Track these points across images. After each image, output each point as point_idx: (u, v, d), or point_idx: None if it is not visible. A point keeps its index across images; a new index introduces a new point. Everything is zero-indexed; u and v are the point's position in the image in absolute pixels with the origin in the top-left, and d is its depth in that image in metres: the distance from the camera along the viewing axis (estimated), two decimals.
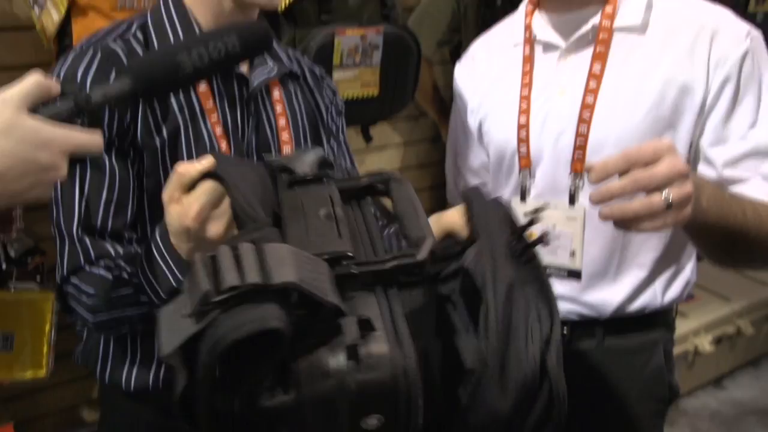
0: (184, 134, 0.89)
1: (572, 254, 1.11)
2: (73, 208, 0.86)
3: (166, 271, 0.78)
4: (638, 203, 0.79)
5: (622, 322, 1.16)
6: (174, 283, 0.78)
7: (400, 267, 0.57)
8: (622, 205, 0.80)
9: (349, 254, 0.57)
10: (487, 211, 0.75)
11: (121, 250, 0.88)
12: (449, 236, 0.85)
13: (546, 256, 1.12)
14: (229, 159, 0.78)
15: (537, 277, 0.71)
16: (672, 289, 1.15)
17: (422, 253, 0.58)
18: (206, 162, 0.70)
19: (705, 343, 2.42)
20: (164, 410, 0.94)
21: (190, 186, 0.70)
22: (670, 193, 0.79)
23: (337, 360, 0.50)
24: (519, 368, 0.60)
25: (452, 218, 0.83)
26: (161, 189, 0.89)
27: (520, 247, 0.73)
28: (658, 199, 0.79)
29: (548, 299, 0.68)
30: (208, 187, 0.69)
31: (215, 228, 0.71)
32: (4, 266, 1.32)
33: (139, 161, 0.89)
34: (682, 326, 2.40)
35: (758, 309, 2.60)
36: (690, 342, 2.41)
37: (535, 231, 1.14)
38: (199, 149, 0.90)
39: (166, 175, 0.88)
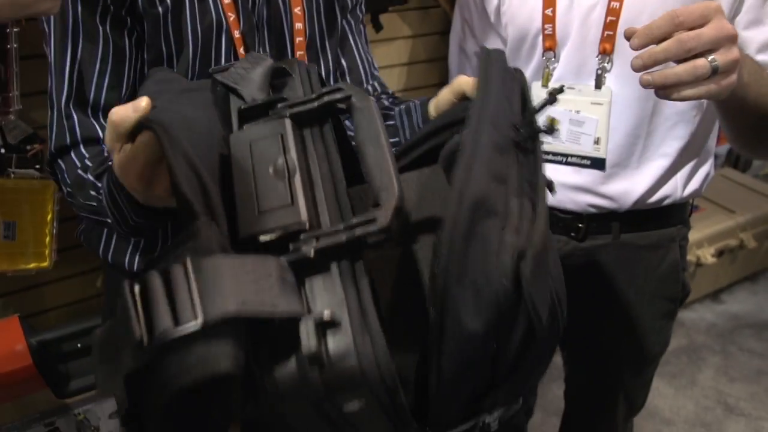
0: (188, 3, 0.83)
1: (596, 142, 1.07)
2: (64, 77, 0.81)
3: (125, 211, 0.71)
4: (681, 66, 0.75)
5: (639, 216, 1.14)
6: (132, 223, 0.72)
7: (361, 238, 0.50)
8: (664, 70, 0.75)
9: (303, 226, 0.50)
10: (503, 78, 0.65)
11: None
12: (463, 99, 0.79)
13: (568, 144, 1.09)
14: (171, 87, 0.67)
15: (532, 172, 0.64)
16: (693, 182, 1.13)
17: (384, 218, 0.50)
18: (143, 105, 0.58)
19: (707, 255, 2.42)
20: None
21: (131, 135, 0.60)
22: (716, 58, 0.74)
23: (301, 368, 0.46)
24: (488, 285, 0.53)
25: (466, 82, 0.75)
26: (163, 61, 0.84)
27: (526, 133, 0.65)
28: (703, 62, 0.74)
29: (536, 209, 0.60)
30: (146, 142, 0.59)
31: (160, 188, 0.63)
32: (3, 151, 1.28)
33: (139, 30, 0.83)
34: None
35: (762, 223, 2.59)
36: (692, 253, 2.41)
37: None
38: (204, 21, 0.84)
39: (168, 46, 0.83)
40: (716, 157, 2.98)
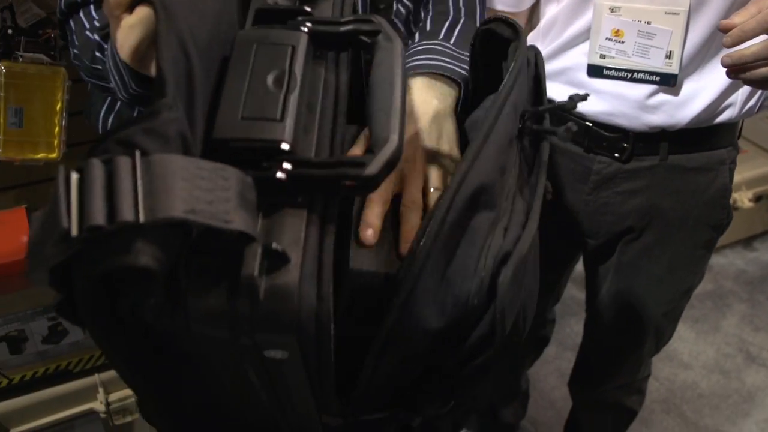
0: None
1: (668, 56, 0.98)
2: None
3: (125, 78, 0.66)
4: (757, 45, 0.76)
5: (691, 136, 1.06)
6: (132, 91, 0.67)
7: (341, 176, 0.45)
8: (741, 48, 0.79)
9: (284, 147, 0.44)
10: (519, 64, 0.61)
11: None
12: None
13: (635, 57, 1.00)
14: None
15: (532, 170, 0.62)
16: (751, 101, 1.04)
17: (373, 167, 0.44)
18: None
19: (744, 199, 2.32)
20: None
21: (131, 6, 0.55)
22: None
23: (231, 288, 0.41)
24: (462, 282, 0.51)
25: None
26: None
27: (534, 126, 0.62)
28: None
29: (530, 209, 0.58)
30: (145, 15, 0.54)
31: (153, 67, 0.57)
32: (10, 32, 1.21)
33: None
34: None
35: None
36: None
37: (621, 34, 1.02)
38: None
39: None
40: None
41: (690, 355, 2.15)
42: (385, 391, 0.57)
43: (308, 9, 0.55)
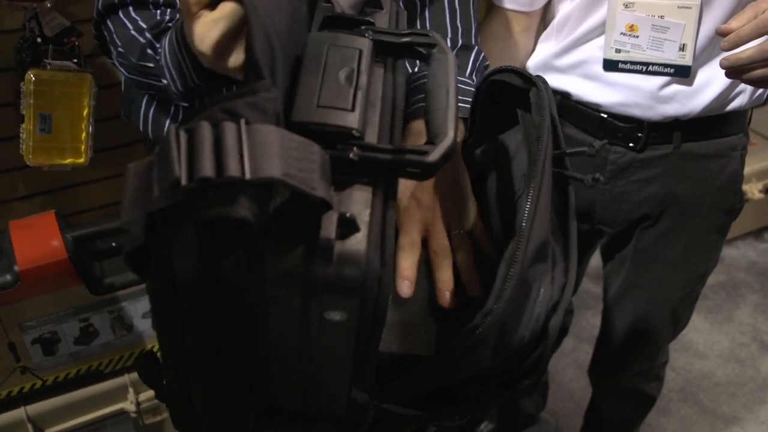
0: None
1: (682, 48, 1.01)
2: None
3: (186, 73, 0.70)
4: (752, 48, 0.82)
5: (703, 124, 1.09)
6: (191, 84, 0.71)
7: (408, 163, 0.50)
8: (737, 51, 0.85)
9: (355, 133, 0.49)
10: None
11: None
12: None
13: (649, 51, 1.03)
14: None
15: (563, 211, 0.65)
16: (760, 89, 1.07)
17: (434, 155, 0.50)
18: None
19: (755, 190, 2.34)
20: None
21: (212, 3, 0.59)
22: None
23: (307, 251, 0.45)
24: (518, 331, 0.56)
25: None
26: None
27: (559, 175, 0.65)
28: None
29: (568, 255, 0.62)
30: (230, 10, 0.58)
31: (234, 60, 0.62)
32: (39, 40, 1.25)
33: None
34: None
35: None
36: None
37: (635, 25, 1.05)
38: None
39: None
40: None
41: (705, 345, 2.17)
42: (418, 394, 0.61)
43: (371, 20, 0.61)
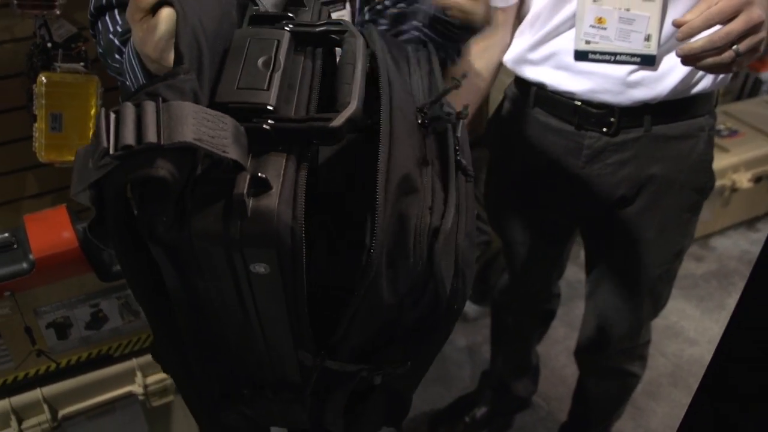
0: None
1: (647, 39, 1.08)
2: None
3: (138, 75, 0.78)
4: (703, 39, 0.94)
5: (671, 107, 1.16)
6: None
7: (314, 130, 0.58)
8: (691, 42, 0.95)
9: (269, 108, 0.58)
10: (396, 63, 0.75)
11: None
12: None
13: (617, 42, 1.10)
14: None
15: (442, 152, 0.71)
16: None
17: (338, 121, 0.58)
18: None
19: (743, 180, 2.40)
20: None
21: (154, 8, 0.66)
22: (739, 47, 0.94)
23: (225, 209, 0.54)
24: (407, 258, 0.62)
25: None
26: None
27: (432, 116, 0.72)
28: (729, 53, 0.94)
29: (448, 188, 0.68)
30: (166, 15, 0.65)
31: (170, 60, 0.67)
32: (50, 45, 1.34)
33: None
34: (722, 161, 2.37)
35: None
36: (728, 177, 2.40)
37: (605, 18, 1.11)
38: None
39: None
40: (761, 83, 2.91)
41: (696, 332, 2.23)
42: (352, 346, 0.69)
43: (291, 15, 0.69)
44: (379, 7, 0.94)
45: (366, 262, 0.60)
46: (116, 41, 0.86)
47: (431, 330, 0.71)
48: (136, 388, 1.52)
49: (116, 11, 0.88)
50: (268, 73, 0.61)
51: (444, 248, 0.64)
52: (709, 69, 0.99)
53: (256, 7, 0.71)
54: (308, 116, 0.60)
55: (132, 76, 0.80)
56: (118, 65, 0.86)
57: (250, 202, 0.53)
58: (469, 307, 2.12)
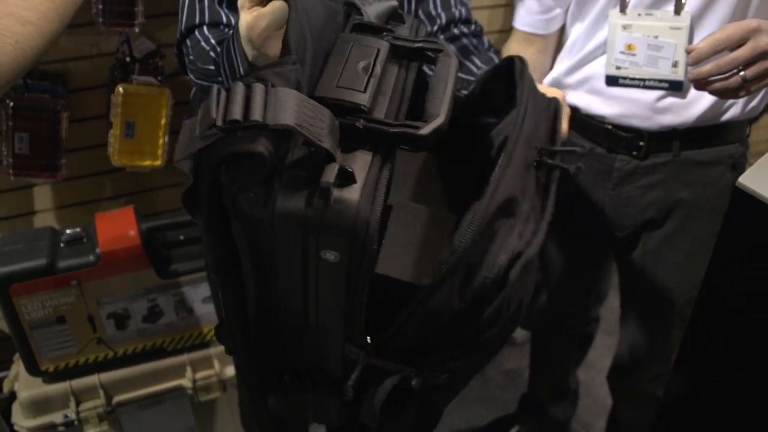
0: None
1: (674, 65, 1.14)
2: None
3: (235, 63, 0.87)
4: (710, 64, 1.00)
5: (699, 133, 1.19)
6: (238, 76, 0.87)
7: (403, 135, 0.63)
8: (699, 67, 1.01)
9: (363, 108, 0.63)
10: (536, 100, 0.79)
11: (233, 20, 0.99)
12: None
13: (645, 68, 1.15)
14: None
15: (544, 197, 0.75)
16: (753, 102, 1.17)
17: (426, 129, 0.63)
18: None
19: None
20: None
21: (264, 1, 0.76)
22: (746, 73, 0.99)
23: (310, 194, 0.58)
24: (480, 272, 0.65)
25: None
26: None
27: (548, 161, 0.77)
28: (736, 79, 1.00)
29: (539, 220, 0.71)
30: (277, 6, 0.74)
31: (274, 47, 0.77)
32: (128, 60, 1.48)
33: None
34: None
35: None
36: None
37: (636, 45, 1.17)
38: None
39: None
40: None
41: None
42: (401, 346, 0.71)
43: (391, 28, 0.77)
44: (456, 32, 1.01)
45: (446, 258, 0.63)
46: (211, 42, 0.97)
47: (482, 345, 0.72)
48: (185, 382, 1.62)
49: (205, 27, 0.99)
50: (366, 77, 0.66)
51: (520, 272, 0.66)
52: (717, 93, 1.03)
53: (360, 17, 0.77)
54: (399, 121, 0.65)
55: (228, 70, 0.89)
56: (211, 66, 0.95)
57: (334, 192, 0.58)
58: (518, 332, 2.14)
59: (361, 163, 0.61)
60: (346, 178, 0.59)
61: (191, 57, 1.00)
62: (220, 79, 0.93)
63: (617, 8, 1.16)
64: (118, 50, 1.52)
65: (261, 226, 0.61)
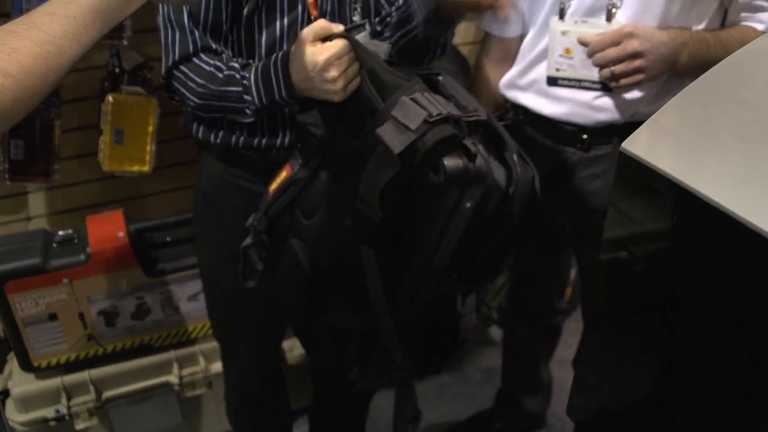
0: None
1: None
2: (183, 9, 1.08)
3: (275, 86, 1.03)
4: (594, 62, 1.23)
5: (636, 128, 1.28)
6: (277, 98, 1.04)
7: (479, 118, 0.95)
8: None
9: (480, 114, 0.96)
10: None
11: (222, 50, 1.09)
12: None
13: (581, 70, 1.26)
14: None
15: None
16: None
17: (484, 114, 0.96)
18: (341, 26, 0.99)
19: None
20: (236, 164, 1.22)
21: (324, 39, 0.98)
22: (615, 69, 1.20)
23: (467, 161, 0.90)
24: (523, 189, 1.00)
25: None
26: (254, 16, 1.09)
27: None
28: (605, 72, 1.22)
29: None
30: (341, 42, 0.97)
31: (333, 72, 0.97)
32: (117, 71, 1.58)
33: None
34: None
35: None
36: None
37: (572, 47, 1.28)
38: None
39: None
40: None
41: None
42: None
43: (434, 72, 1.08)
44: (388, 19, 1.13)
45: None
46: (231, 65, 1.07)
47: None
48: (172, 378, 1.69)
49: (201, 54, 1.09)
50: (441, 97, 0.97)
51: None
52: (622, 82, 1.23)
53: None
54: (470, 113, 0.95)
55: (264, 91, 1.05)
56: (234, 87, 1.07)
57: (479, 160, 0.90)
58: (496, 332, 2.22)
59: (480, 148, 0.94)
60: (474, 156, 0.91)
61: (200, 80, 1.09)
62: (247, 98, 1.06)
63: (557, 15, 1.27)
64: (109, 62, 1.62)
65: (433, 192, 0.90)
